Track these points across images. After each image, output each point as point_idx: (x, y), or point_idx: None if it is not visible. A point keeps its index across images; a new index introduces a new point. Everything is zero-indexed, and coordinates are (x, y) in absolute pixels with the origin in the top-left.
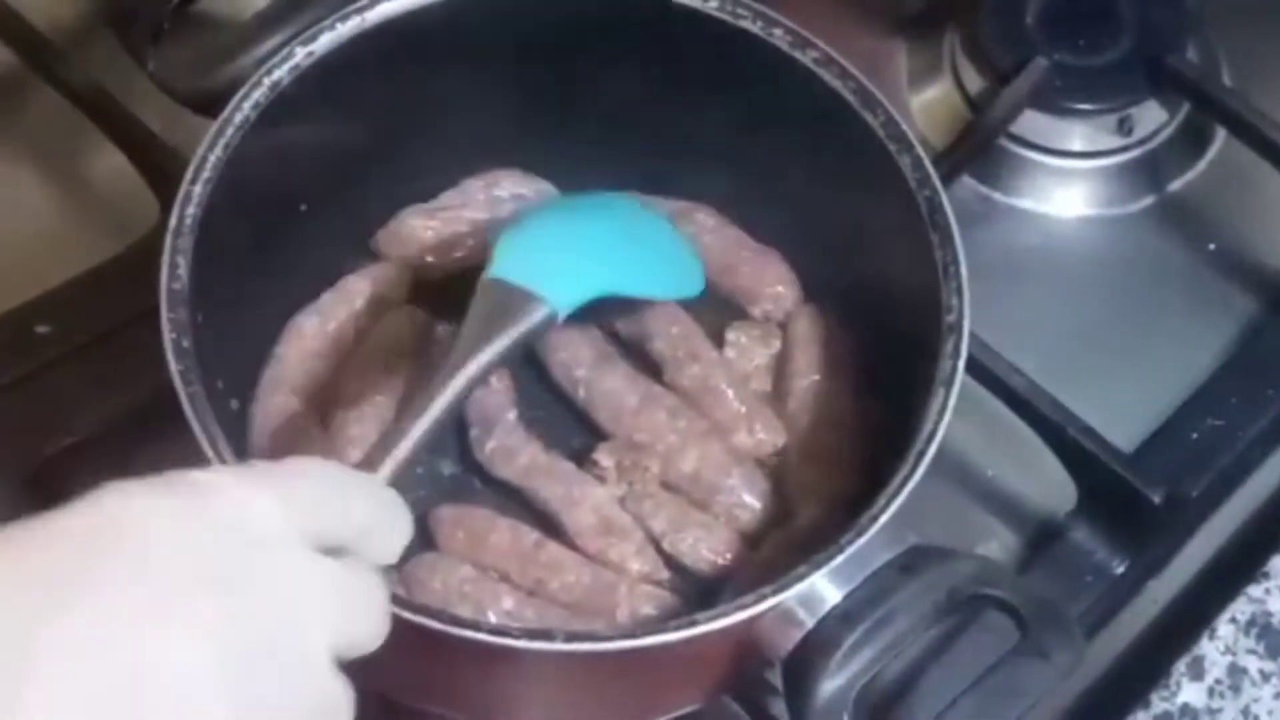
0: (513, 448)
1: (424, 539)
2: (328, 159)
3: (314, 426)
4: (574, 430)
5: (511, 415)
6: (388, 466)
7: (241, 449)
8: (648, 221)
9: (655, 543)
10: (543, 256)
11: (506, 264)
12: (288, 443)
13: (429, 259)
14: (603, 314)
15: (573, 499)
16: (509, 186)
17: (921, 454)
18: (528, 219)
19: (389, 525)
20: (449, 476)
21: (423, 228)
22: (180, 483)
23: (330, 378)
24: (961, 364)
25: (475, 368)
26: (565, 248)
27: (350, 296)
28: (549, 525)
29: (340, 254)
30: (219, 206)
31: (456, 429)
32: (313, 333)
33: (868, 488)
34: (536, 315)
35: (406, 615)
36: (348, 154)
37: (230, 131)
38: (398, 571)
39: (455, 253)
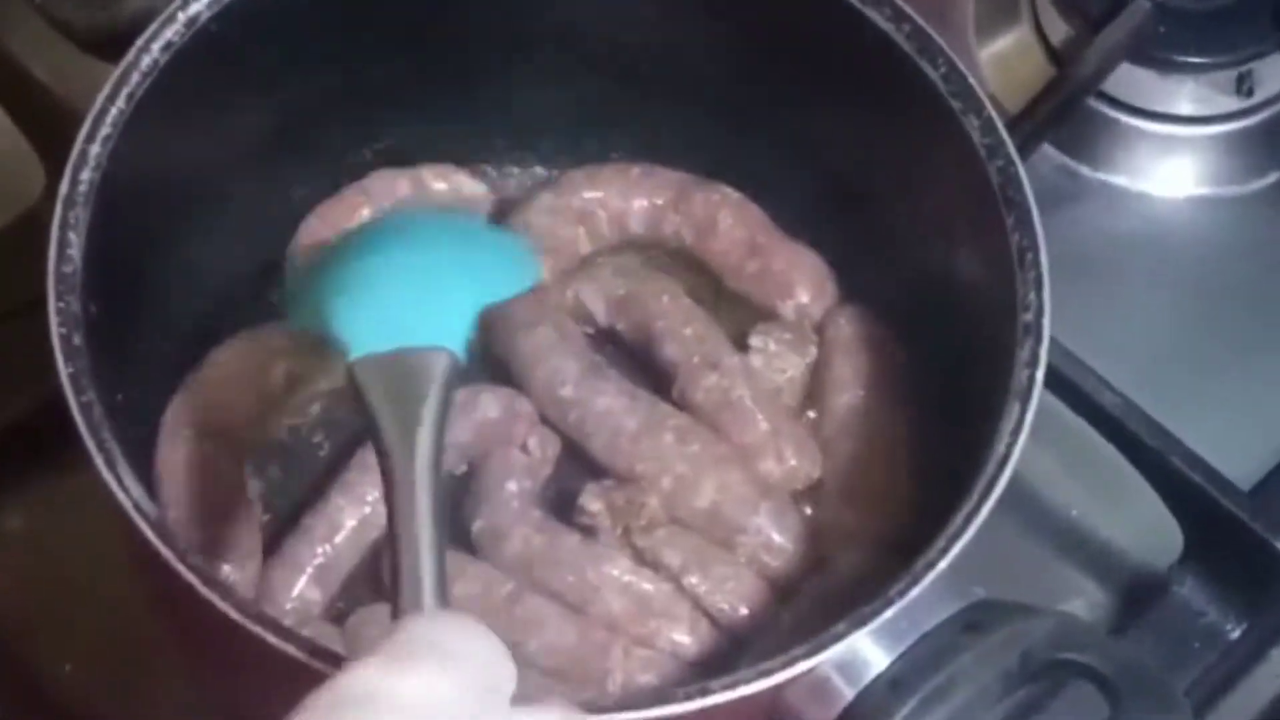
0: (501, 528)
1: (373, 585)
2: (259, 120)
3: (231, 472)
4: (564, 463)
5: (511, 485)
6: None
7: (148, 481)
8: (453, 225)
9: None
10: (395, 307)
11: (361, 334)
12: (199, 491)
13: None
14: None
15: (589, 584)
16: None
17: (990, 485)
18: (334, 275)
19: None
20: None
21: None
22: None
23: (254, 414)
24: (1040, 375)
25: (425, 465)
26: (408, 285)
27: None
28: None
29: (270, 240)
30: (121, 172)
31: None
32: (234, 359)
33: (922, 528)
34: (441, 369)
35: None
36: (285, 113)
37: (136, 79)
38: (338, 626)
39: None
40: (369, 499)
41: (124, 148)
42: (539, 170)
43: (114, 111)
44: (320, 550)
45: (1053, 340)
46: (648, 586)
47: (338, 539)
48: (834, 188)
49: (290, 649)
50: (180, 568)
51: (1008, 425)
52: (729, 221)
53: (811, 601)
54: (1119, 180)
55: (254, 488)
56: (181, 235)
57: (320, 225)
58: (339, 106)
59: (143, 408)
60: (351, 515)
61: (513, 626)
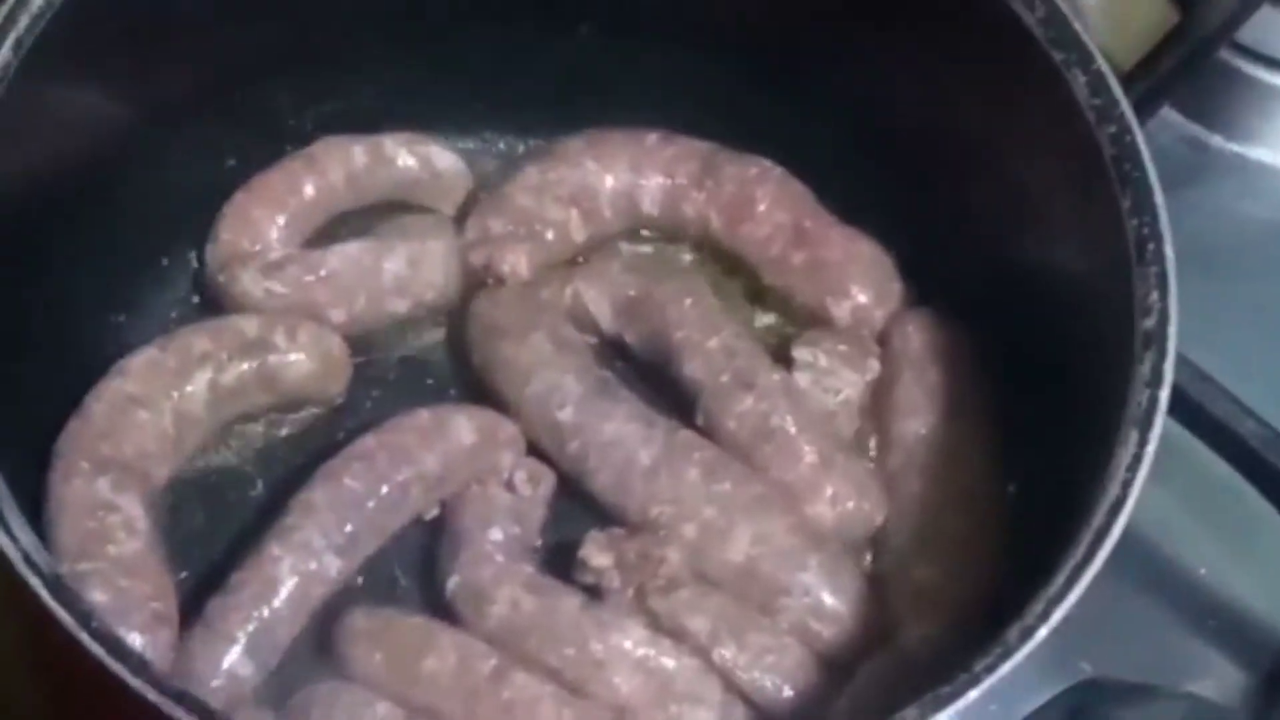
0: (483, 587)
1: (326, 654)
2: (182, 76)
3: (136, 517)
4: (561, 505)
5: (494, 533)
6: None
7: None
8: None
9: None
10: None
11: None
12: (96, 539)
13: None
14: None
15: (593, 659)
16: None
17: (1101, 535)
18: None
19: None
20: (403, 589)
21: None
22: None
23: (167, 442)
24: (1164, 396)
25: None
26: None
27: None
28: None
29: (193, 221)
30: (8, 138)
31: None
32: (142, 371)
33: (1014, 590)
34: None
35: None
36: (215, 68)
37: (25, 22)
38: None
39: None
40: (316, 548)
41: (11, 107)
42: (528, 140)
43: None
44: (254, 614)
45: (1180, 358)
46: (667, 661)
47: (275, 600)
48: (900, 161)
49: None
50: (82, 636)
51: (1123, 459)
52: (768, 201)
53: (873, 682)
54: (1257, 154)
55: (168, 536)
56: (84, 215)
57: (254, 203)
58: (280, 60)
59: (31, 433)
60: (292, 570)
61: (498, 711)
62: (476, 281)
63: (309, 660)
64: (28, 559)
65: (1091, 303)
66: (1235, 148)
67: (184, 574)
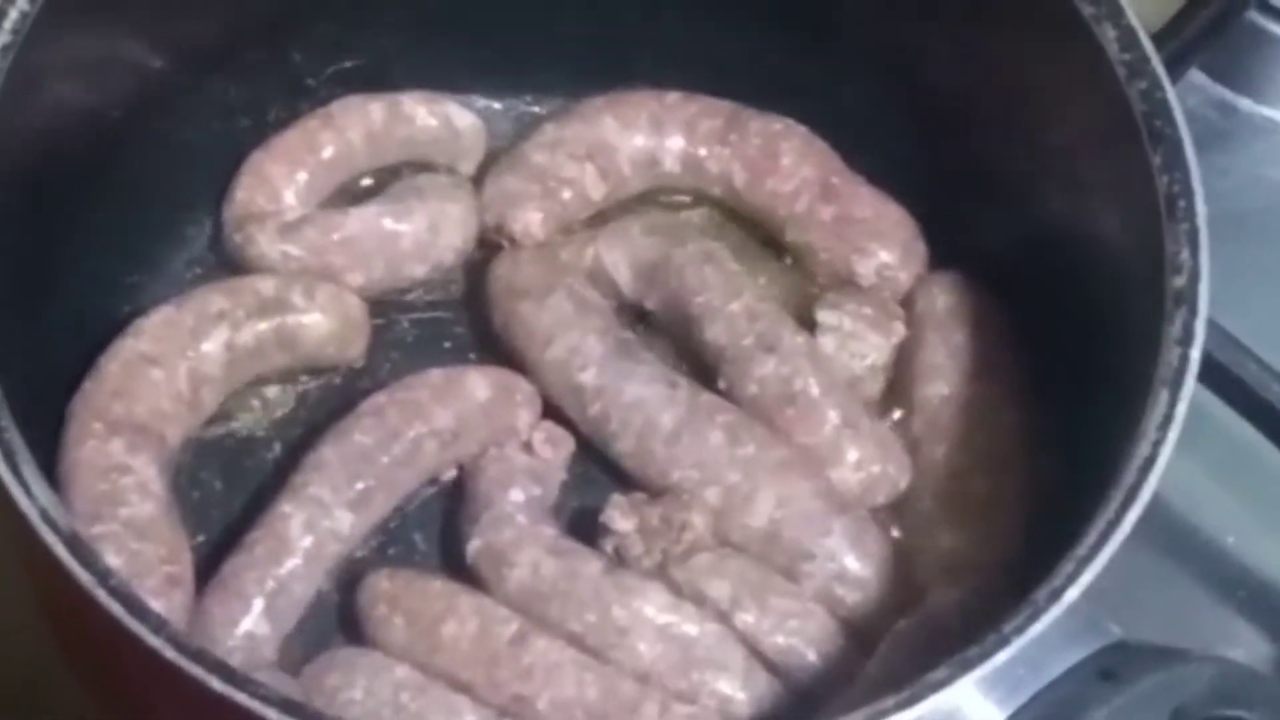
0: (504, 550)
1: (346, 621)
2: (196, 31)
3: (151, 479)
4: (583, 470)
5: (515, 494)
6: None
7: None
8: None
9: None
10: None
11: None
12: (109, 501)
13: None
14: None
15: (615, 625)
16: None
17: (1131, 496)
18: None
19: None
20: (422, 554)
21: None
22: None
23: (183, 404)
24: (1196, 354)
25: None
26: None
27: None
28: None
29: (206, 182)
30: (23, 92)
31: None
32: (158, 330)
33: (1041, 553)
34: None
35: None
36: (229, 23)
37: None
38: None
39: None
40: (326, 503)
41: (28, 60)
42: (548, 102)
43: (14, 15)
44: (268, 572)
45: (1211, 323)
46: (690, 628)
47: (289, 557)
48: (927, 121)
49: (240, 697)
50: (100, 594)
51: (1153, 419)
52: (794, 156)
53: (900, 647)
54: None
55: (185, 500)
56: (99, 174)
57: (271, 162)
58: (297, 18)
59: (46, 393)
60: (304, 526)
61: (519, 677)
62: (495, 243)
63: (329, 628)
64: (45, 516)
65: (1121, 262)
66: (1265, 111)
67: (200, 538)
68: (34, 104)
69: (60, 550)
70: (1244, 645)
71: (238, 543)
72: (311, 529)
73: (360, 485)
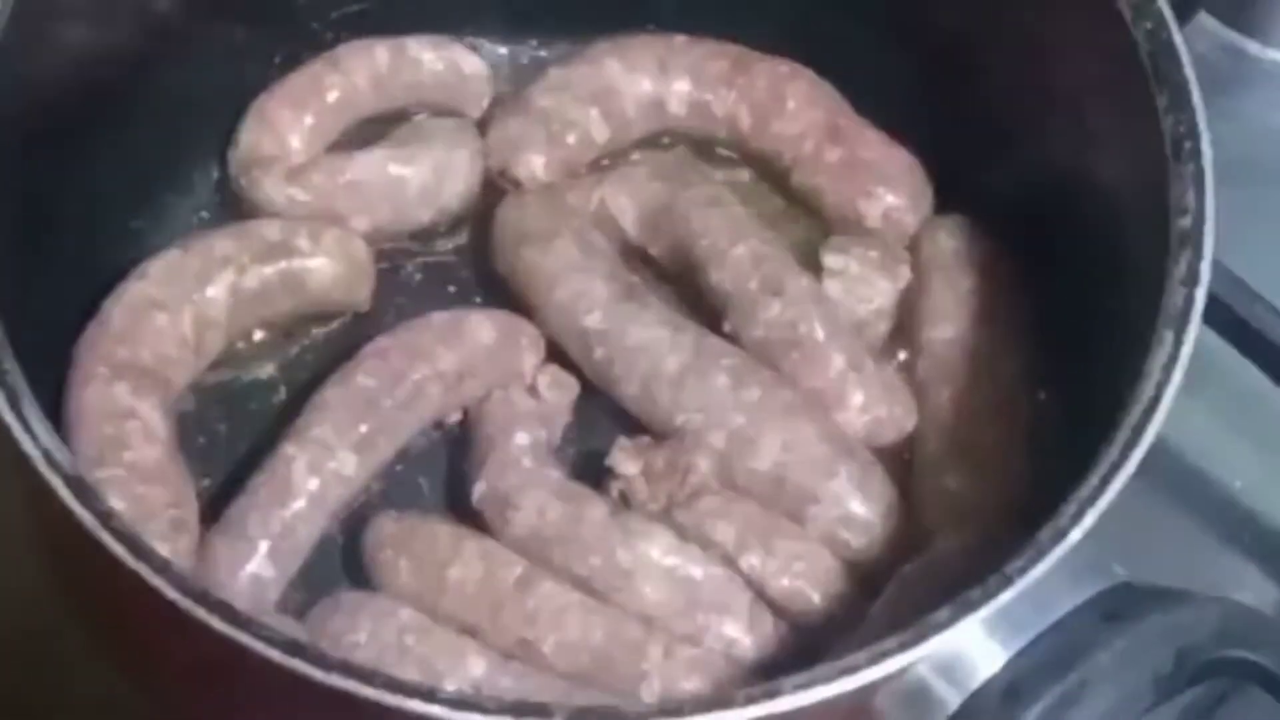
0: (509, 493)
1: (352, 567)
2: None
3: (156, 423)
4: (588, 414)
5: (520, 437)
6: None
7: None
8: None
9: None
10: None
11: None
12: (114, 444)
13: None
14: None
15: (619, 568)
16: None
17: (1136, 435)
18: None
19: None
20: (427, 498)
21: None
22: None
23: (188, 348)
24: (1201, 295)
25: None
26: None
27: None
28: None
29: (212, 126)
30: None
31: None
32: (162, 274)
33: (1047, 496)
34: None
35: (318, 676)
36: None
37: None
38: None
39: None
40: (330, 444)
41: (35, 3)
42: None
43: None
44: (272, 514)
45: (1217, 265)
46: (695, 570)
47: (292, 499)
48: (930, 62)
49: (243, 638)
50: (103, 535)
51: (1159, 359)
52: (801, 98)
53: (906, 591)
54: None
55: (190, 445)
56: (104, 118)
57: (276, 106)
58: None
59: (51, 338)
60: (308, 468)
61: (524, 620)
62: (500, 187)
63: (335, 573)
64: (49, 458)
65: (1126, 204)
66: (1274, 55)
67: (206, 482)
68: (40, 49)
69: (63, 492)
70: (1250, 589)
71: (242, 486)
72: (315, 471)
73: (364, 427)
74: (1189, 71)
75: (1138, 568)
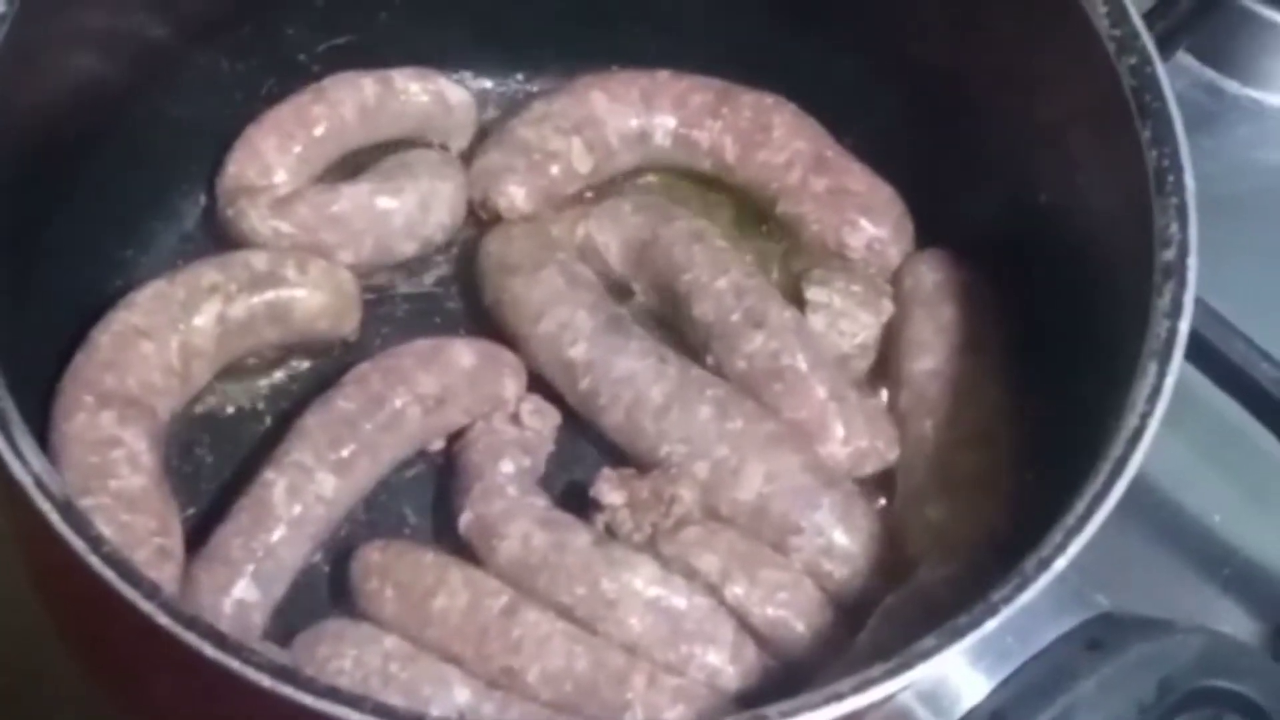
0: (495, 522)
1: (338, 597)
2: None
3: (142, 452)
4: (573, 445)
5: (505, 466)
6: None
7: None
8: None
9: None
10: None
11: None
12: (100, 474)
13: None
14: None
15: (603, 597)
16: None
17: (1119, 467)
18: None
19: None
20: (413, 527)
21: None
22: None
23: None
24: (1184, 327)
25: None
26: None
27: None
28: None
29: (199, 158)
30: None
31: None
32: (149, 304)
33: (1030, 527)
34: None
35: (308, 701)
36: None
37: None
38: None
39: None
40: (308, 466)
41: (23, 33)
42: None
43: None
44: (254, 539)
45: (1198, 303)
46: (679, 601)
47: (273, 522)
48: (914, 95)
49: (233, 664)
50: (93, 560)
51: (1142, 391)
52: (785, 129)
53: (890, 621)
54: (1274, 99)
55: (176, 474)
56: (93, 149)
57: (263, 137)
58: None
59: (40, 365)
60: (287, 491)
61: (508, 649)
62: (483, 219)
63: (321, 602)
64: (39, 484)
65: (1110, 237)
66: (1252, 93)
67: (191, 511)
68: (29, 78)
69: (54, 518)
70: (1230, 623)
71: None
72: (295, 494)
73: (344, 450)
74: (1172, 105)
75: (1120, 599)
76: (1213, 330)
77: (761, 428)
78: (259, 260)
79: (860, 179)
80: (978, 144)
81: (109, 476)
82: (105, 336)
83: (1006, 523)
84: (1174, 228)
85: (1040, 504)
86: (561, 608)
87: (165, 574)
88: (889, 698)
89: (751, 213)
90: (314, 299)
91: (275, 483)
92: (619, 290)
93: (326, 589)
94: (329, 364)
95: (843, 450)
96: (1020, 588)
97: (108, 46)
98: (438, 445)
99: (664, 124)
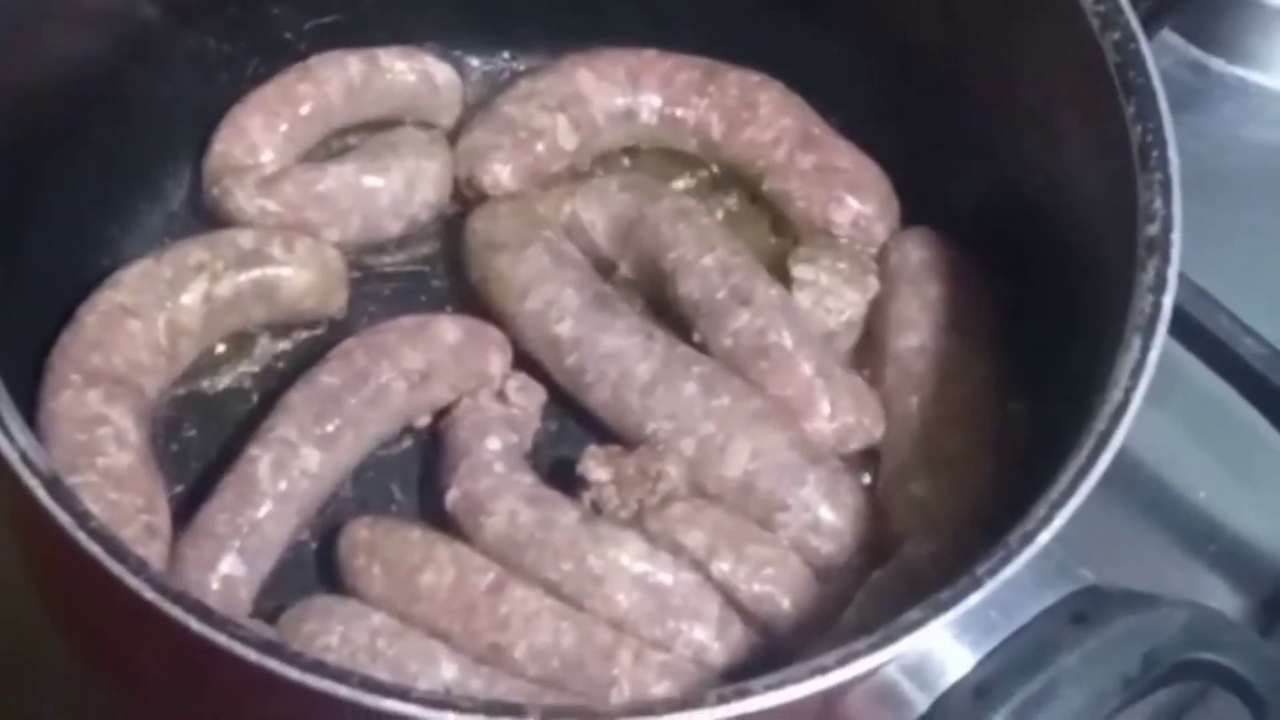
0: (482, 499)
1: (326, 574)
2: None
3: (128, 430)
4: (559, 423)
5: (492, 443)
6: None
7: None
8: None
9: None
10: None
11: None
12: (86, 452)
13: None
14: None
15: (590, 574)
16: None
17: (1103, 441)
18: None
19: None
20: (399, 503)
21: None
22: None
23: (161, 356)
24: (1168, 302)
25: None
26: None
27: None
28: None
29: (184, 136)
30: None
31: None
32: (135, 282)
33: (1015, 502)
34: None
35: (293, 675)
36: None
37: None
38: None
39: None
40: (292, 441)
41: (10, 9)
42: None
43: None
44: (239, 513)
45: (1183, 279)
46: (665, 577)
47: (258, 497)
48: (899, 74)
49: (219, 638)
50: (80, 536)
51: (1126, 366)
52: (772, 106)
53: (876, 597)
54: (1258, 77)
55: (163, 452)
56: (79, 128)
57: (249, 116)
58: None
59: (26, 343)
60: (272, 465)
61: (495, 625)
62: (469, 197)
63: (309, 580)
64: (25, 458)
65: (1094, 212)
66: (1237, 71)
67: (179, 488)
68: (15, 57)
69: (40, 493)
70: (1215, 598)
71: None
72: (280, 469)
73: (329, 425)
74: (1156, 80)
75: (1105, 574)
76: (1198, 307)
77: (748, 404)
78: (246, 239)
79: (847, 156)
80: (963, 121)
81: (96, 454)
82: (92, 315)
83: (992, 498)
84: (1158, 203)
85: (1026, 479)
86: (548, 584)
87: (152, 551)
88: (873, 671)
89: (740, 189)
90: (300, 277)
91: (260, 458)
92: (605, 268)
93: (314, 566)
94: (316, 342)
95: (829, 426)
96: (1004, 561)
97: (94, 26)
98: (424, 421)
99: (650, 102)
